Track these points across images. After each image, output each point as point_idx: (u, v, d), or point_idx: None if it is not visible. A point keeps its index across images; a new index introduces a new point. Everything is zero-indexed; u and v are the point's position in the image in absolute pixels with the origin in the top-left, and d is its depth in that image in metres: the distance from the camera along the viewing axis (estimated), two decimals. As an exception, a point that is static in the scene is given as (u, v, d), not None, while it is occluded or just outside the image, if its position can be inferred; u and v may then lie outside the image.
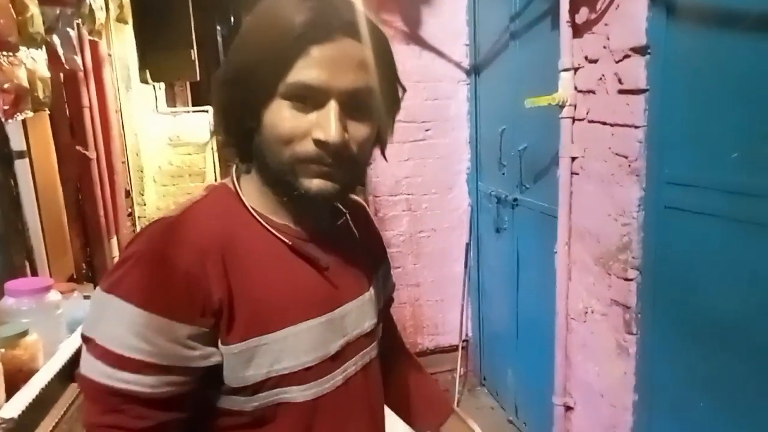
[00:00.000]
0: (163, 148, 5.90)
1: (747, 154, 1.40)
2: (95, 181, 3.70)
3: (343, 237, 0.84)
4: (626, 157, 1.76)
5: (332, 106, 0.67)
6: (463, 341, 3.25)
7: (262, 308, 0.70)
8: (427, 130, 3.00)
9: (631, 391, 1.86)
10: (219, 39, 9.98)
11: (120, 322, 0.63)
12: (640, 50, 1.67)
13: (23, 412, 1.55)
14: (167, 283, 0.64)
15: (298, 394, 0.73)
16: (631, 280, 1.80)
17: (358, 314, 0.82)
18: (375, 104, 0.71)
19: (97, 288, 0.67)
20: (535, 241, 2.48)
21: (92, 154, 3.63)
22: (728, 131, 1.45)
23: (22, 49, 1.71)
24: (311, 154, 0.68)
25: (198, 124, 6.22)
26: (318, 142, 0.67)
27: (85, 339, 0.66)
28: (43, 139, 3.08)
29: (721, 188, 1.48)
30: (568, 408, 2.23)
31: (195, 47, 5.91)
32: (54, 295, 1.98)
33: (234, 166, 0.79)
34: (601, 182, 1.90)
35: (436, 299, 3.23)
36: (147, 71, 5.85)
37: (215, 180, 6.42)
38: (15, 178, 2.70)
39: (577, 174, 2.04)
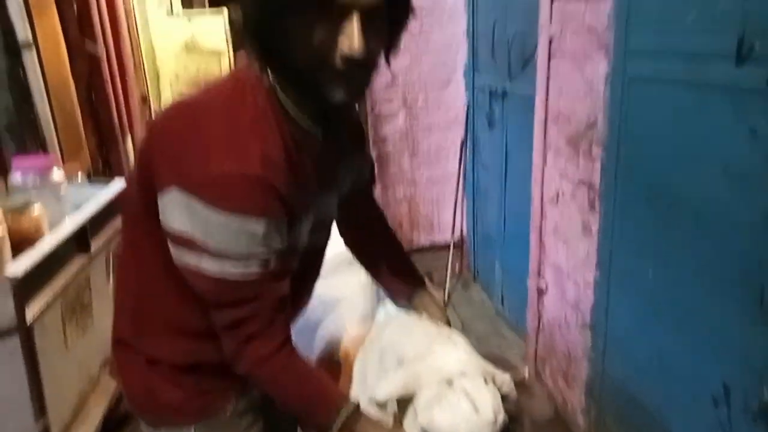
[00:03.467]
0: (179, 53, 5.95)
1: (702, 15, 1.37)
2: (106, 79, 3.79)
3: (339, 135, 0.96)
4: (596, 30, 1.74)
5: (356, 20, 0.74)
6: (458, 239, 3.33)
7: (305, 191, 0.86)
8: (423, 21, 2.96)
9: (593, 268, 1.91)
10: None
11: (238, 234, 0.78)
12: None
13: (28, 272, 1.70)
14: (273, 197, 0.79)
15: (305, 241, 0.93)
16: (596, 157, 1.81)
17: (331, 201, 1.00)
18: (389, 17, 0.80)
19: (201, 207, 0.76)
20: (521, 132, 2.48)
21: (101, 51, 3.71)
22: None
23: None
24: (337, 65, 0.76)
25: (214, 28, 6.18)
26: (344, 55, 0.75)
27: (205, 252, 0.79)
28: (51, 31, 3.15)
29: (679, 52, 1.45)
30: (542, 291, 2.31)
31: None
32: (58, 174, 2.12)
33: (259, 69, 0.84)
34: (575, 59, 1.88)
35: (431, 197, 3.29)
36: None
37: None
38: (23, 68, 2.81)
39: (555, 55, 2.01)
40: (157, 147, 0.83)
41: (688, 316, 1.51)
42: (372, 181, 1.22)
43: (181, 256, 0.80)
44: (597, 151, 1.80)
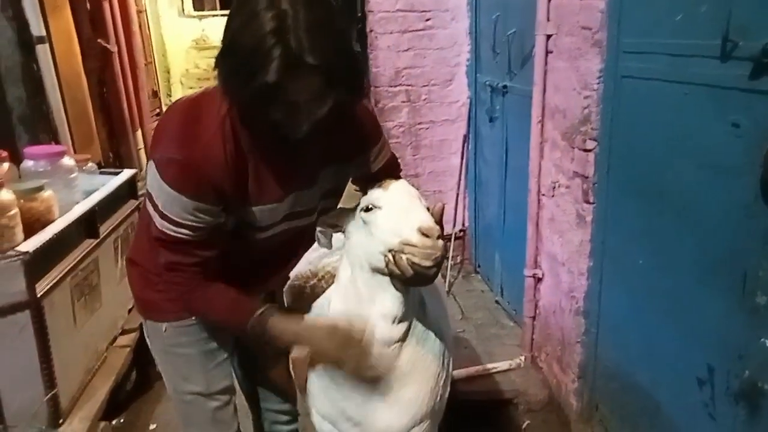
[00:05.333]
0: (189, 51, 6.05)
1: (688, 15, 1.44)
2: (117, 74, 3.89)
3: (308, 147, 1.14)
4: (590, 29, 1.80)
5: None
6: (460, 231, 3.41)
7: (259, 188, 1.12)
8: (427, 20, 3.02)
9: (586, 257, 1.99)
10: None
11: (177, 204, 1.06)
12: None
13: (38, 249, 1.80)
14: (204, 185, 1.04)
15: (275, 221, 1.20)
16: (590, 150, 1.89)
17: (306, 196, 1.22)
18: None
19: (157, 176, 1.05)
20: (520, 126, 2.55)
21: (113, 48, 3.80)
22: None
23: None
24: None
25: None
26: None
27: (156, 208, 1.08)
28: (64, 28, 3.24)
29: (667, 52, 1.53)
30: (538, 279, 2.38)
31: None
32: (68, 161, 2.20)
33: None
34: (570, 57, 1.95)
35: (434, 190, 3.36)
36: (172, -27, 5.92)
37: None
38: (37, 62, 2.90)
39: (552, 52, 2.09)
40: (155, 128, 1.17)
41: (676, 302, 1.58)
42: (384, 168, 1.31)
43: (148, 206, 1.11)
44: (590, 144, 1.87)
